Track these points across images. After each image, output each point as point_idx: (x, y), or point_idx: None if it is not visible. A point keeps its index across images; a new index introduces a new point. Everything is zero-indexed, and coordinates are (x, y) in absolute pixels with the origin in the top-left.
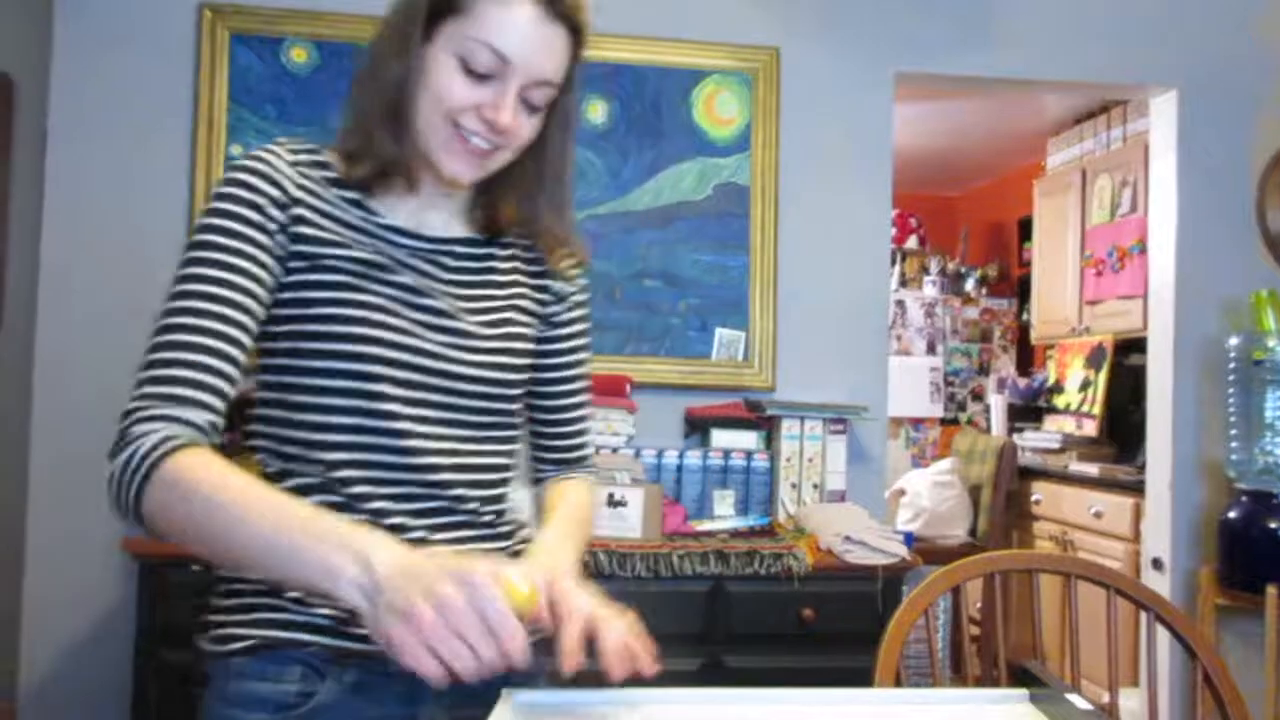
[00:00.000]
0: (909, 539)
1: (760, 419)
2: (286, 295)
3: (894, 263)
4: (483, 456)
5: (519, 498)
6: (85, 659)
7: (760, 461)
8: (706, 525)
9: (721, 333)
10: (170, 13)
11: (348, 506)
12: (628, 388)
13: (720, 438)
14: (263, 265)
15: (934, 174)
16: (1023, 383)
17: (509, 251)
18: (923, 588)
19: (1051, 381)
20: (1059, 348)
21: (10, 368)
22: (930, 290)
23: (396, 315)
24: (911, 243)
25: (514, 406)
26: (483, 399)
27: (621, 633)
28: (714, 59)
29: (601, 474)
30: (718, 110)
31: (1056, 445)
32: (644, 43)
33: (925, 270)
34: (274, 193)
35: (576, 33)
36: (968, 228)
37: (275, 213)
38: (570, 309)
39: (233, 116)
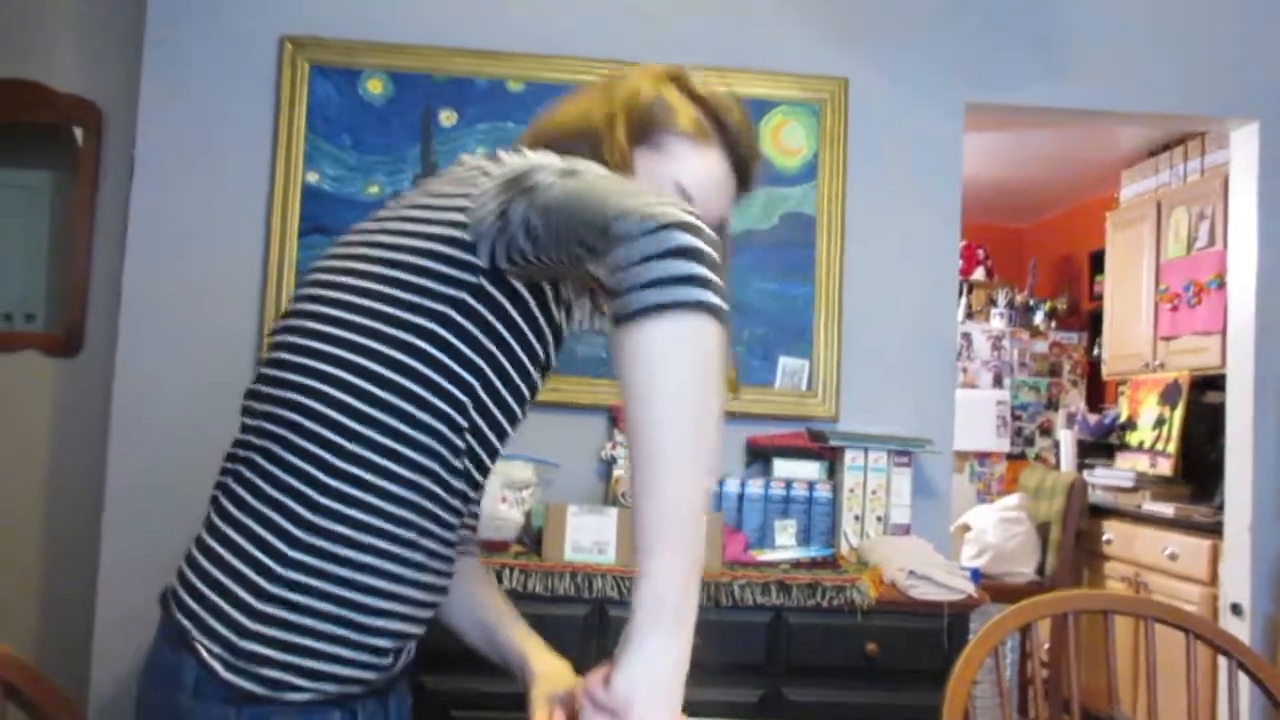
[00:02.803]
0: (975, 575)
1: (823, 449)
2: None
3: (961, 294)
4: None
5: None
6: None
7: (823, 492)
8: (768, 555)
9: (785, 361)
10: (253, 45)
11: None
12: None
13: (782, 467)
14: None
15: (1003, 205)
16: (1093, 419)
17: None
18: (993, 624)
19: (1124, 418)
20: (1131, 384)
21: (90, 388)
22: (997, 323)
23: None
24: (979, 274)
25: None
26: None
27: None
28: (782, 90)
29: None
30: (785, 140)
31: (1129, 484)
32: (712, 74)
33: (993, 302)
34: None
35: (745, 184)
36: (1036, 260)
37: None
38: None
39: (310, 146)
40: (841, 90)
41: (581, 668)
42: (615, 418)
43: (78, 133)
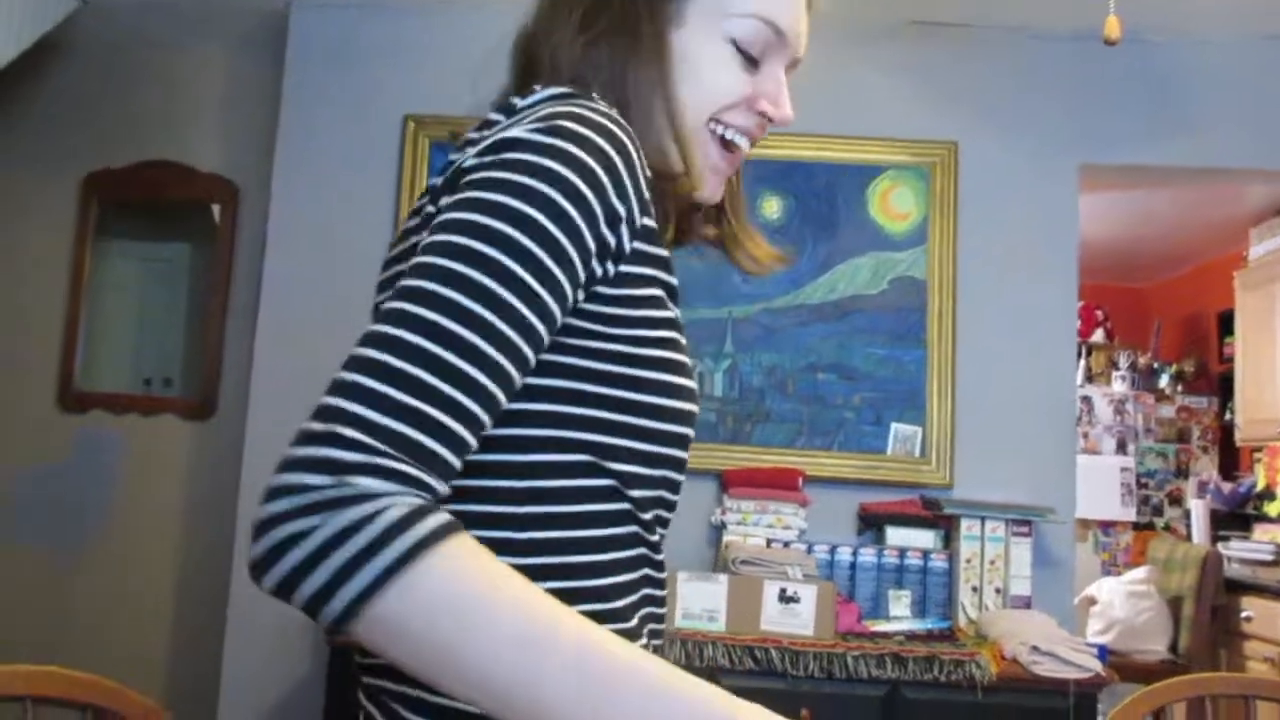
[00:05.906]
0: (1103, 652)
1: (938, 518)
2: (619, 337)
3: (1080, 357)
4: None
5: None
6: None
7: (938, 562)
8: (882, 626)
9: (897, 427)
10: (378, 124)
11: (652, 552)
12: (800, 481)
13: (896, 535)
14: (566, 302)
15: (1122, 265)
16: (1227, 487)
17: None
18: (1125, 707)
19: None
20: (1268, 450)
21: (222, 452)
22: (1119, 386)
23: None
24: (1098, 336)
25: None
26: None
27: None
28: (891, 154)
29: (773, 568)
30: (894, 204)
31: (1269, 557)
32: (820, 140)
33: (1114, 365)
34: (617, 204)
35: None
36: (1160, 321)
37: (606, 232)
38: None
39: None
40: (951, 154)
41: None
42: (725, 483)
43: (215, 209)
